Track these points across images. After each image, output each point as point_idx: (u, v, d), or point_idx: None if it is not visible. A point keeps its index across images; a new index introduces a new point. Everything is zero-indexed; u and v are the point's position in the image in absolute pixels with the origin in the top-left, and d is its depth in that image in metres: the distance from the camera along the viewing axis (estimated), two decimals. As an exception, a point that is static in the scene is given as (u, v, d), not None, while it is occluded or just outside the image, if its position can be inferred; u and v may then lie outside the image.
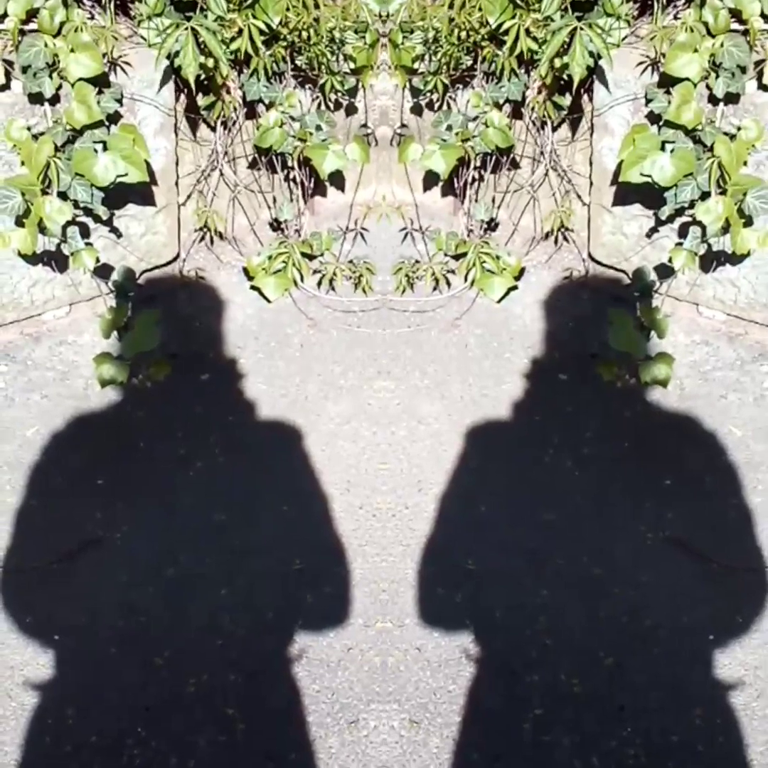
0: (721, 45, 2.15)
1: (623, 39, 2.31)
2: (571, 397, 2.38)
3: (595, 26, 2.23)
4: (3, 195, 2.23)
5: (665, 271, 2.39)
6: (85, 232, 2.38)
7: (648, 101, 2.25)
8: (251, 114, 2.49)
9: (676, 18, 2.30)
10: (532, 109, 2.44)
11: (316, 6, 2.31)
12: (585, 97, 2.47)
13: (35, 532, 2.11)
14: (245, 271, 2.52)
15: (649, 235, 2.43)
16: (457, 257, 2.54)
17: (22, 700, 1.85)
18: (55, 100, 2.28)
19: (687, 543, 2.08)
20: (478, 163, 2.51)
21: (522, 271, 2.55)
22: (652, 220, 2.40)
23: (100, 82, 2.26)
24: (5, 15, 2.21)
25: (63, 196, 2.26)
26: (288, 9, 2.29)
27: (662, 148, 2.19)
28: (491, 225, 2.62)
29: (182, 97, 2.46)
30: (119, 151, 2.23)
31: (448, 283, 2.54)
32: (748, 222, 2.21)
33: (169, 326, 2.38)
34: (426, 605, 1.98)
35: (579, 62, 2.21)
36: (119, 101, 2.28)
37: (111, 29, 2.28)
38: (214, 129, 2.48)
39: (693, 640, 1.94)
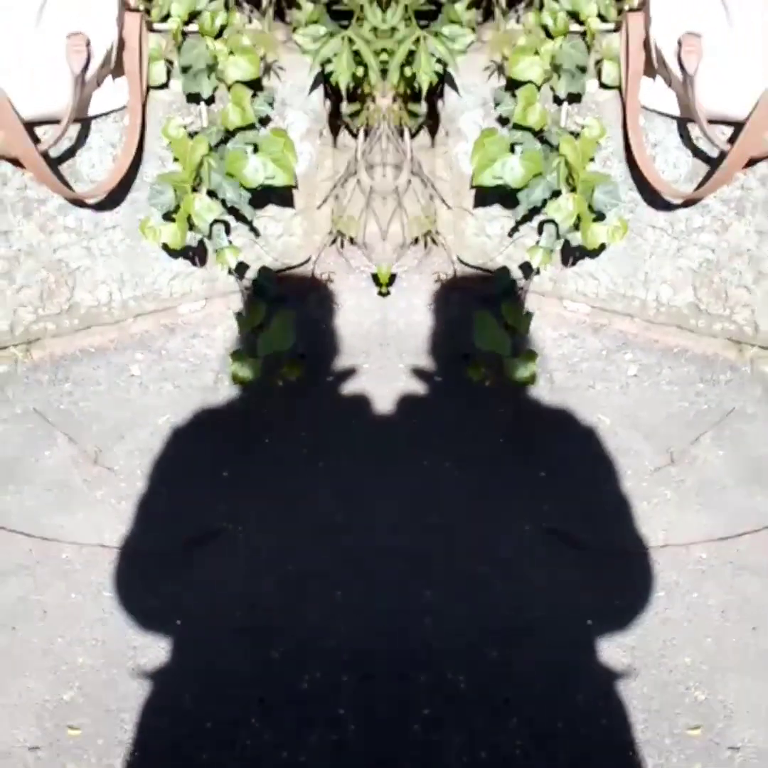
0: (561, 47, 2.22)
1: (469, 45, 2.36)
2: (448, 399, 2.42)
3: (440, 34, 2.27)
4: (156, 190, 2.27)
5: (529, 268, 2.44)
6: (226, 230, 2.42)
7: (496, 105, 2.30)
8: (392, 123, 2.52)
9: (518, 22, 2.36)
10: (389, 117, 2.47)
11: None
12: (439, 103, 2.52)
13: (161, 519, 2.14)
14: (374, 277, 2.53)
15: (510, 235, 2.48)
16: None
17: (143, 681, 1.86)
18: (210, 100, 2.31)
19: (564, 533, 2.14)
20: (344, 172, 2.54)
21: (393, 277, 2.58)
22: (512, 219, 2.45)
23: (255, 85, 2.28)
24: (168, 15, 2.24)
25: (211, 194, 2.30)
26: None
27: (511, 150, 2.24)
28: (361, 234, 2.65)
29: (328, 103, 2.48)
30: (269, 154, 2.27)
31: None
32: (600, 217, 2.28)
33: (297, 327, 2.40)
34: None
35: (426, 70, 2.25)
36: (271, 105, 2.32)
37: (270, 35, 2.29)
38: (355, 136, 2.50)
39: (573, 627, 1.99)
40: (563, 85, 2.24)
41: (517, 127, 2.25)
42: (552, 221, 2.28)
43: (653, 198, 2.34)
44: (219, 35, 2.26)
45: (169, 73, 2.31)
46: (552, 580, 2.06)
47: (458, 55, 2.30)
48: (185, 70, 2.26)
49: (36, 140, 2.16)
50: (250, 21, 2.34)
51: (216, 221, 2.34)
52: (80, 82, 2.09)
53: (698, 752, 1.81)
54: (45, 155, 2.17)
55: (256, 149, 2.27)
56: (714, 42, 2.03)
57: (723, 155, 2.11)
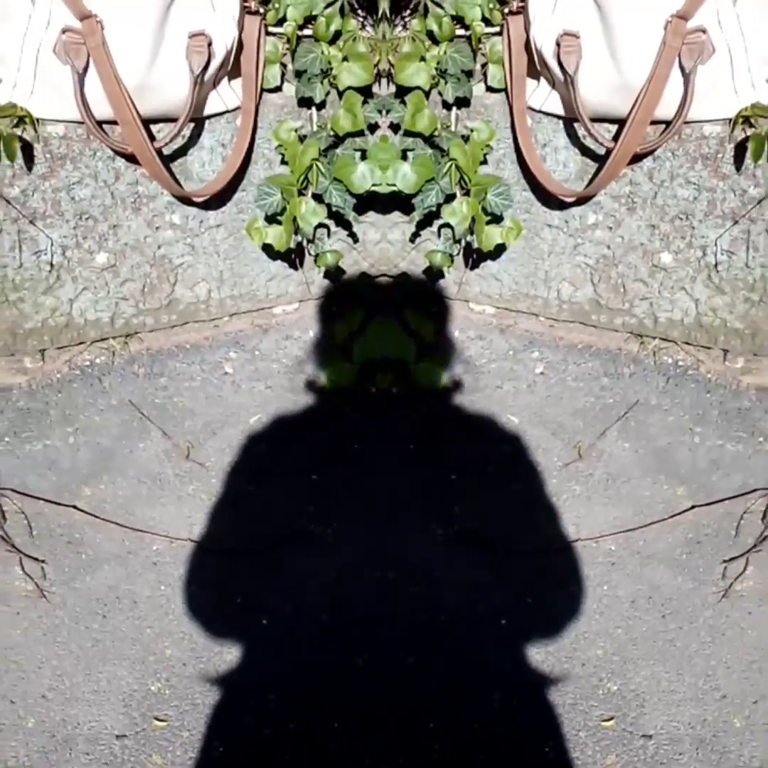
0: (445, 52, 2.23)
1: (358, 54, 2.36)
2: (359, 408, 2.42)
3: (326, 42, 2.28)
4: (264, 192, 2.24)
5: (432, 273, 2.45)
6: (327, 234, 2.39)
7: (387, 112, 2.31)
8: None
9: (405, 28, 2.37)
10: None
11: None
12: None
13: (250, 517, 2.14)
14: None
15: (412, 240, 2.49)
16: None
17: (229, 677, 1.87)
18: (321, 105, 2.29)
19: (476, 534, 2.15)
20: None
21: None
22: (413, 225, 2.46)
23: (365, 91, 2.26)
24: (284, 19, 2.21)
25: (316, 198, 2.27)
26: None
27: (403, 157, 2.25)
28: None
29: None
30: (377, 161, 2.24)
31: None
32: (498, 219, 2.29)
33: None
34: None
35: (314, 79, 2.25)
36: (380, 112, 2.28)
37: (387, 43, 2.27)
38: None
39: (488, 627, 2.01)
40: (450, 90, 2.25)
41: (407, 133, 2.26)
42: (449, 225, 2.29)
43: (547, 197, 2.36)
44: (333, 41, 2.25)
45: (282, 76, 2.30)
46: (465, 582, 2.08)
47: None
48: (299, 74, 2.25)
49: (151, 137, 2.16)
50: (363, 27, 2.32)
51: (319, 225, 2.33)
52: (199, 81, 2.08)
53: (613, 743, 1.83)
54: (159, 152, 2.16)
55: (363, 156, 2.26)
56: (591, 41, 2.06)
57: (609, 152, 2.14)
